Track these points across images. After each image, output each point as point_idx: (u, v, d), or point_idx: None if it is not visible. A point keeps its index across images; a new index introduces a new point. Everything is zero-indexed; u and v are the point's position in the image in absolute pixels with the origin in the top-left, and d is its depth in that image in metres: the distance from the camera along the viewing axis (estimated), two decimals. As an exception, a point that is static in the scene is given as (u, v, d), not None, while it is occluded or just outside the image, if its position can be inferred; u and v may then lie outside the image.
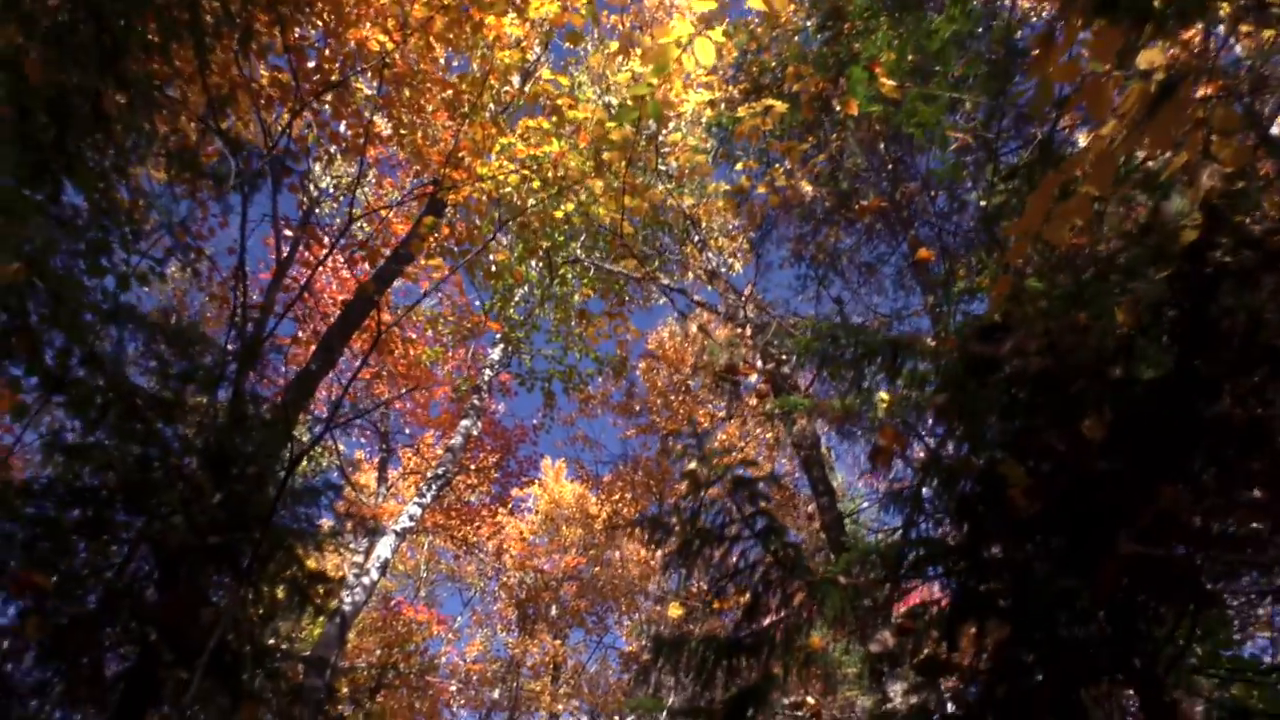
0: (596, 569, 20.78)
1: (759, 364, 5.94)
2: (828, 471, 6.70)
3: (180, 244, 8.50)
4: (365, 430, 18.01)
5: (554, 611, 20.01)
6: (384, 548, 13.49)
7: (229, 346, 7.93)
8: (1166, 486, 2.73)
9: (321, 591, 6.18)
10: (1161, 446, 2.83)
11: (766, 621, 4.11)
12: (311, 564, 6.25)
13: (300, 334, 12.83)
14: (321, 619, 14.17)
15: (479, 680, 19.91)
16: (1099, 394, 2.89)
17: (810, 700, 4.43)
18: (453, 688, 19.44)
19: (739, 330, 7.14)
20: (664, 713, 6.96)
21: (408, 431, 19.23)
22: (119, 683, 6.93)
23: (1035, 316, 3.14)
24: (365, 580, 13.07)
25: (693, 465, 4.40)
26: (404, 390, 17.05)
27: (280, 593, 6.34)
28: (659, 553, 4.44)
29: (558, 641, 19.15)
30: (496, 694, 21.91)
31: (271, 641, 6.97)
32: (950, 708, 3.40)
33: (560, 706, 19.25)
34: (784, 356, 6.36)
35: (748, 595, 4.15)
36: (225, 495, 6.66)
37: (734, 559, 4.24)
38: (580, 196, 8.81)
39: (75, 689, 6.78)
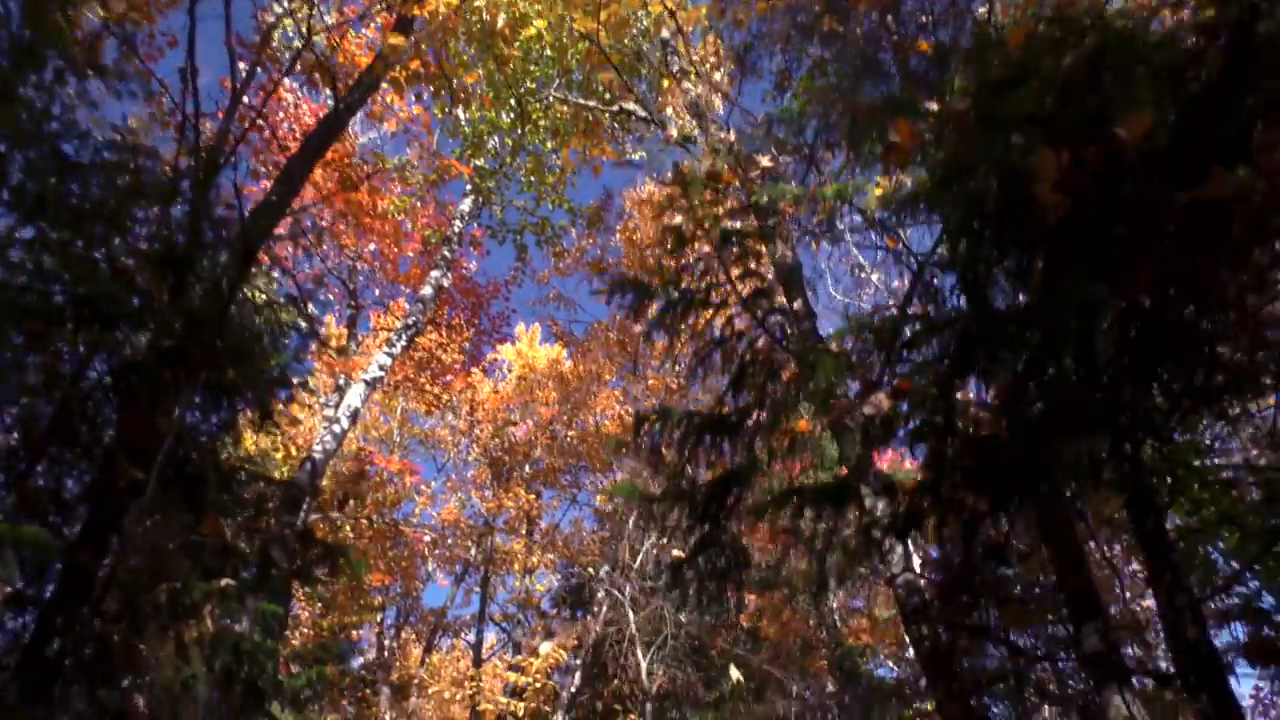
0: (570, 433, 20.82)
1: (741, 172, 5.61)
2: (807, 294, 6.47)
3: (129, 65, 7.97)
4: (333, 288, 17.59)
5: (527, 470, 20.10)
6: (354, 397, 13.32)
7: (182, 162, 7.48)
8: (1216, 169, 2.49)
9: (284, 401, 5.93)
10: (1206, 148, 2.58)
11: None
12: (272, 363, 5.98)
13: (259, 167, 12.28)
14: (289, 468, 14.04)
15: (455, 535, 20.12)
16: (1138, 96, 2.62)
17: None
18: (427, 538, 19.64)
19: (721, 137, 6.79)
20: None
21: (377, 292, 18.84)
22: (80, 503, 6.74)
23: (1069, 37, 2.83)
24: (335, 429, 12.94)
25: (677, 219, 4.12)
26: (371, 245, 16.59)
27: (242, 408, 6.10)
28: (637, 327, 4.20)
29: (531, 496, 19.29)
30: (473, 553, 22.24)
31: (232, 459, 6.78)
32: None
33: (535, 560, 19.54)
34: (772, 150, 6.02)
35: (734, 368, 3.95)
36: (179, 305, 6.34)
37: (719, 328, 4.02)
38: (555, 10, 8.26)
39: (30, 506, 6.59)
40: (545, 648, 16.36)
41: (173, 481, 6.01)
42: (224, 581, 5.15)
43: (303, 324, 6.70)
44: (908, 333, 3.73)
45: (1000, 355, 2.97)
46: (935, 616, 4.89)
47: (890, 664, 18.71)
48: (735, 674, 15.07)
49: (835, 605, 19.97)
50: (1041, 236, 2.86)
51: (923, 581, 5.77)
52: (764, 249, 5.53)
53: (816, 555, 4.24)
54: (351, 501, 15.87)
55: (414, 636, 26.38)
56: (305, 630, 18.33)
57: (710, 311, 4.02)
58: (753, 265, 4.05)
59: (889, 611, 22.14)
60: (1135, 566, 8.12)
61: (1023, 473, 2.88)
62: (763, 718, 16.54)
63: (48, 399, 6.50)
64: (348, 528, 15.83)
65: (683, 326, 3.99)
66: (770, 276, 5.71)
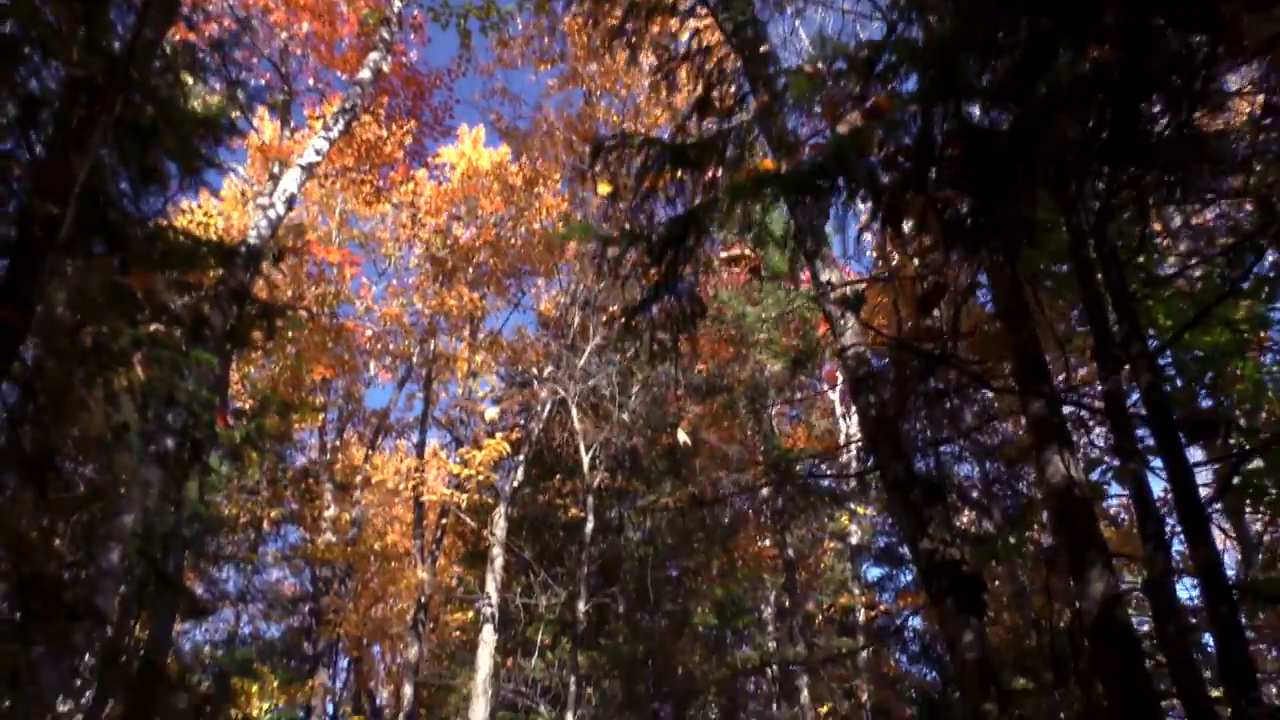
0: (515, 240, 20.35)
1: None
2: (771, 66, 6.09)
3: None
4: (264, 73, 16.45)
5: (470, 274, 19.74)
6: (289, 181, 12.68)
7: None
8: None
9: (202, 134, 5.50)
10: None
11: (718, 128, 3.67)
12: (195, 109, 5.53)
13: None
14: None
15: (398, 333, 19.93)
16: None
17: (747, 253, 4.09)
18: (369, 331, 19.44)
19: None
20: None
21: (311, 81, 17.73)
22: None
23: None
24: (270, 214, 12.40)
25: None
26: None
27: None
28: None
29: (475, 296, 19.04)
30: (415, 356, 22.17)
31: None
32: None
33: (479, 361, 19.54)
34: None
35: (699, 88, 3.67)
36: (94, 39, 5.76)
37: (686, 40, 3.72)
38: None
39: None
40: (491, 412, 16.58)
41: (94, 227, 5.64)
42: (153, 327, 4.90)
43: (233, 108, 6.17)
44: (885, 62, 3.47)
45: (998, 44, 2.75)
46: (886, 379, 4.90)
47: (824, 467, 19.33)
48: (684, 437, 15.49)
49: (774, 414, 20.52)
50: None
51: (868, 353, 5.78)
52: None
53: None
54: (286, 261, 15.31)
55: (356, 438, 26.65)
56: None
57: (676, 20, 3.70)
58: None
59: (824, 422, 22.88)
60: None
61: (1005, 171, 2.72)
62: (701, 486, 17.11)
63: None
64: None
65: (646, 33, 3.67)
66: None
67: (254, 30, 15.55)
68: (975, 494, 13.59)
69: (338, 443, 25.17)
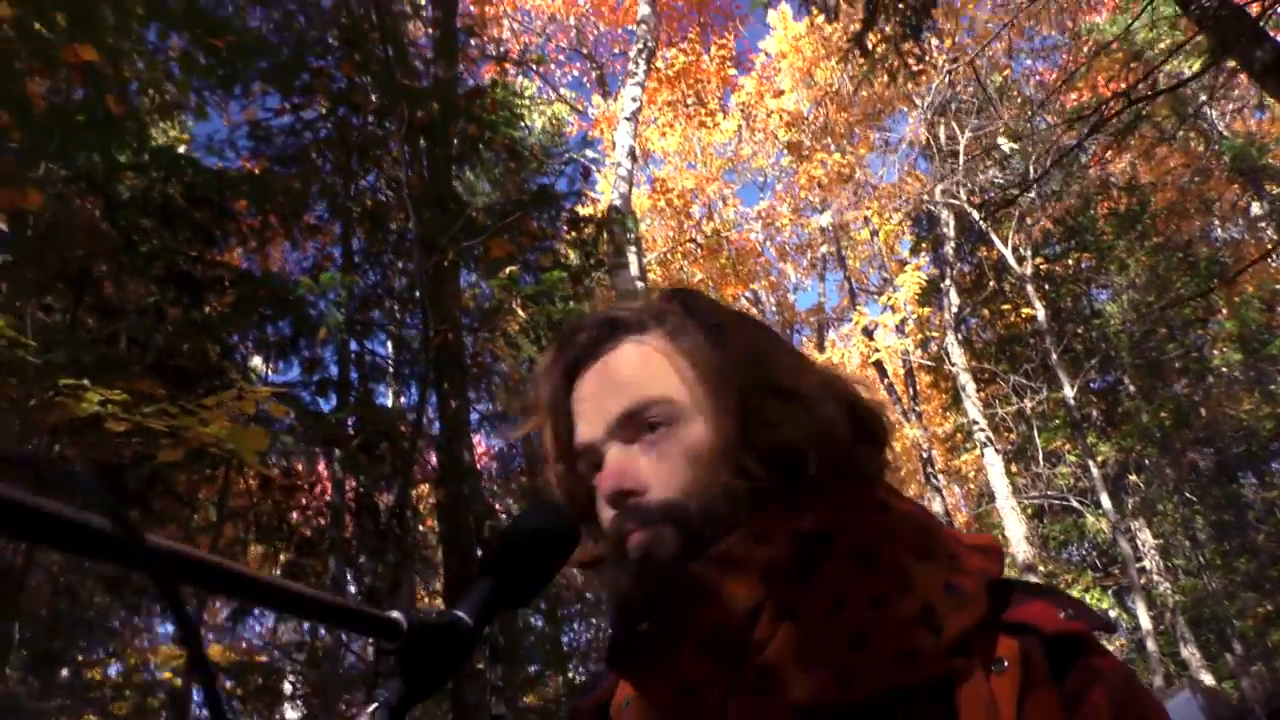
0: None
1: None
2: None
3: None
4: (568, 62, 17.92)
5: (832, 142, 19.46)
6: (622, 135, 13.68)
7: None
8: None
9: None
10: None
11: None
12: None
13: None
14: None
15: (798, 230, 20.26)
16: None
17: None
18: (757, 235, 20.00)
19: None
20: None
21: (617, 50, 18.87)
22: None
23: None
24: (620, 172, 13.48)
25: None
26: None
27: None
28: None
29: (844, 151, 18.70)
30: (821, 249, 22.41)
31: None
32: None
33: (881, 214, 19.05)
34: None
35: None
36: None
37: None
38: None
39: None
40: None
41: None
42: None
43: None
44: None
45: None
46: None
47: None
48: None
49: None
50: None
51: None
52: None
53: None
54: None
55: (807, 342, 27.54)
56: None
57: None
58: None
59: None
60: None
61: None
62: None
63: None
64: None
65: None
66: None
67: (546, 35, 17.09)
68: None
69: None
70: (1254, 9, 4.64)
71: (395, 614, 0.66)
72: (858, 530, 0.82)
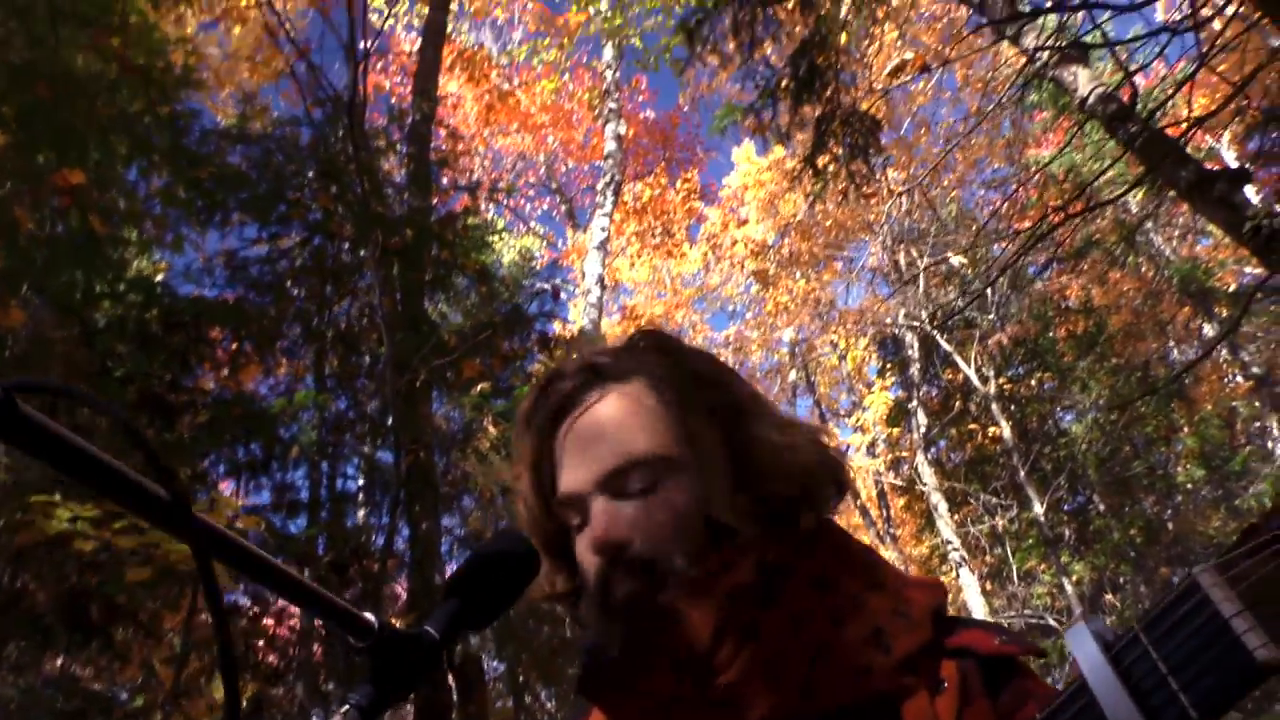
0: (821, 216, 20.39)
1: None
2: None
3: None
4: (538, 197, 18.52)
5: (797, 270, 20.06)
6: (591, 264, 14.08)
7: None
8: None
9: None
10: None
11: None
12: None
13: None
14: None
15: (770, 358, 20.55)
16: None
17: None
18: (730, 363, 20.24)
19: None
20: None
21: (585, 186, 19.57)
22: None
23: None
24: (590, 299, 13.80)
25: None
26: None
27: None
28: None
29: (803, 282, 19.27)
30: (791, 376, 22.76)
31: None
32: None
33: (843, 343, 19.49)
34: None
35: None
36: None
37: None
38: None
39: None
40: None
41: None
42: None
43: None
44: None
45: None
46: None
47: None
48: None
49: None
50: None
51: None
52: None
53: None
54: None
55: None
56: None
57: None
58: None
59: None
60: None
61: None
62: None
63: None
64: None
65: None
66: None
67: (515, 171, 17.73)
68: None
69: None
70: (1174, 131, 5.02)
71: (369, 615, 0.72)
72: (818, 562, 0.88)
